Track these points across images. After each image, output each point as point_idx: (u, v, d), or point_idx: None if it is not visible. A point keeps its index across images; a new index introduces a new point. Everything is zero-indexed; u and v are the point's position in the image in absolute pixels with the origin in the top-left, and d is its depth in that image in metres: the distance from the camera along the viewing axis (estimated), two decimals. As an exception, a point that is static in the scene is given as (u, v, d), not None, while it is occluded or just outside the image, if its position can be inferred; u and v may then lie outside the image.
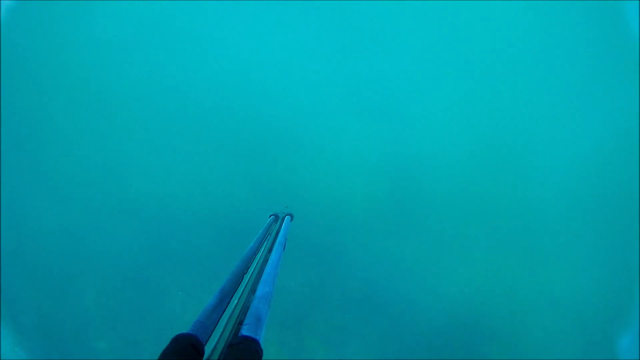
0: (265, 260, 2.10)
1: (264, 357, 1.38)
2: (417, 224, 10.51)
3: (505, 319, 9.17)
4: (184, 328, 1.42)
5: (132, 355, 7.77)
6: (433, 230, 10.43)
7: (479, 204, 10.73)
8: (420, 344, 8.70)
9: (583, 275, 9.81)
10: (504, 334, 8.95)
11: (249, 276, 1.94)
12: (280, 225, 2.66)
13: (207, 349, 1.38)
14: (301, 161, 10.98)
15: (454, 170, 10.99)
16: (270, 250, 2.24)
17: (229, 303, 1.68)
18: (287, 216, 2.81)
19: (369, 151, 11.02)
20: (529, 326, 9.12)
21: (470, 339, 8.85)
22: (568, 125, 10.68)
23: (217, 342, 1.42)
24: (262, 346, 1.42)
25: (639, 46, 9.21)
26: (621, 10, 9.61)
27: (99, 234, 9.21)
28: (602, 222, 10.25)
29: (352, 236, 10.00)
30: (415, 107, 11.25)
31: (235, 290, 1.78)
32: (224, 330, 1.50)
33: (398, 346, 8.67)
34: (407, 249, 9.97)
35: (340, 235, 9.93)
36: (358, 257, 9.64)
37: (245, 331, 1.44)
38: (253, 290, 1.78)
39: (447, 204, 10.78)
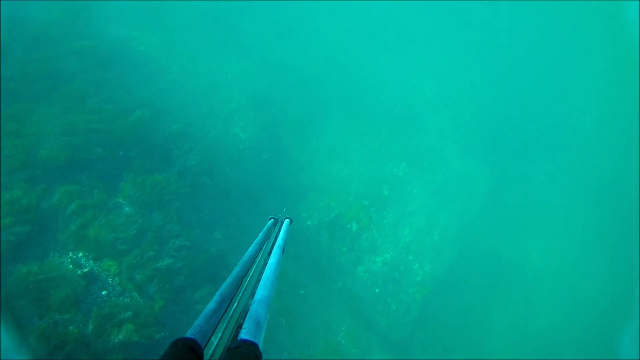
0: (265, 264, 2.11)
1: None
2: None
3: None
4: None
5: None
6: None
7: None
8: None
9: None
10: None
11: (248, 279, 1.95)
12: (280, 228, 2.67)
13: (207, 353, 1.38)
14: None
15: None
16: (269, 253, 2.25)
17: (228, 307, 1.69)
18: (286, 219, 2.82)
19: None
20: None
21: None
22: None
23: (216, 346, 1.43)
24: (262, 350, 1.43)
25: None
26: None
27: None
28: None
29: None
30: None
31: (235, 294, 1.79)
32: (223, 333, 1.51)
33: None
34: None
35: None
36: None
37: (244, 335, 1.45)
38: (252, 294, 1.79)
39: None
